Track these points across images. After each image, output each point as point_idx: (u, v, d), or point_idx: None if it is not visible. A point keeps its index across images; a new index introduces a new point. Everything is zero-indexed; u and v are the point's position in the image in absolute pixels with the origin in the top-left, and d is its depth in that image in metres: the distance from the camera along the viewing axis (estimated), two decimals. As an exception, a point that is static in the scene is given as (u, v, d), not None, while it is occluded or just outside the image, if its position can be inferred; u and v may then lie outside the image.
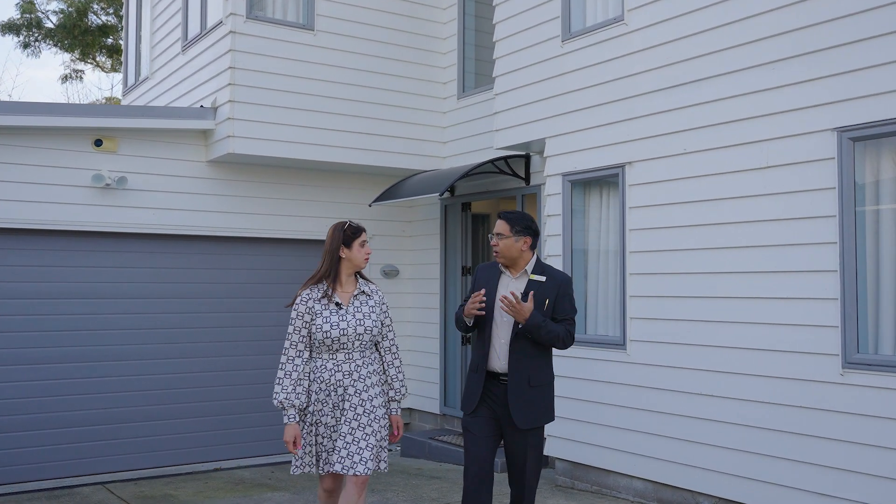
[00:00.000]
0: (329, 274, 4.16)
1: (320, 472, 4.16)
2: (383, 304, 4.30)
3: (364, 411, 4.06)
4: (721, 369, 5.39)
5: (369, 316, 4.17)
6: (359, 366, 4.12)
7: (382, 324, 4.29)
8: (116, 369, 7.31)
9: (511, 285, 4.24)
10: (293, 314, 4.13)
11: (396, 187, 8.26)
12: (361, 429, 4.04)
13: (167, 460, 7.46)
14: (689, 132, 5.62)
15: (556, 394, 6.02)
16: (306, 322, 4.10)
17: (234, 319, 7.83)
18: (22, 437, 6.85)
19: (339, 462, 4.01)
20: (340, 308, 4.11)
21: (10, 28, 17.50)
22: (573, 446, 6.43)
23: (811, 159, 4.90)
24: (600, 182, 6.47)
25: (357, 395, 4.06)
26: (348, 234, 4.17)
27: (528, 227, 4.27)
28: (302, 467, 4.14)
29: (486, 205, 9.60)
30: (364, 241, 4.21)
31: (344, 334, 4.06)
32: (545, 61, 6.75)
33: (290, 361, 4.10)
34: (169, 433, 7.51)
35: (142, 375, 7.42)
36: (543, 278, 4.22)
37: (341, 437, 4.03)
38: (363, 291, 4.23)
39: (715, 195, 5.47)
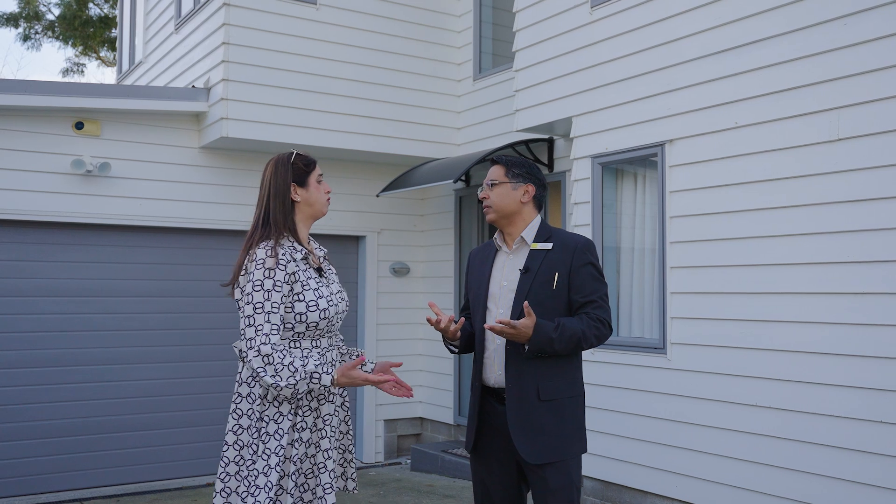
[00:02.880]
0: (285, 225, 2.85)
1: None
2: None
3: (348, 420, 3.01)
4: (780, 377, 4.65)
5: (343, 286, 3.05)
6: (342, 354, 3.02)
7: None
8: (97, 374, 6.65)
9: (507, 265, 3.15)
10: (266, 283, 2.69)
11: (407, 176, 7.59)
12: (349, 447, 3.01)
13: (153, 474, 6.79)
14: (742, 103, 4.89)
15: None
16: (284, 297, 2.74)
17: (229, 320, 7.11)
18: (-10, 449, 6.21)
19: (331, 488, 2.78)
20: (322, 275, 2.93)
21: (9, 20, 17.00)
22: (604, 463, 5.71)
23: (894, 128, 4.16)
24: (635, 164, 5.76)
25: (340, 395, 2.97)
26: (300, 166, 2.91)
27: (530, 173, 3.18)
28: None
29: (504, 197, 8.90)
30: (321, 174, 2.97)
31: (338, 313, 2.89)
32: (572, 31, 6.05)
33: (276, 351, 2.67)
34: (155, 444, 6.84)
35: (125, 381, 6.76)
36: (549, 245, 3.09)
37: (331, 459, 2.81)
38: (325, 255, 3.05)
39: (772, 175, 4.73)
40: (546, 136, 6.84)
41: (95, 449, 6.60)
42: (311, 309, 2.75)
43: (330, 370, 2.69)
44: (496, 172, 3.19)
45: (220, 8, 6.83)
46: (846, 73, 4.36)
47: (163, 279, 6.98)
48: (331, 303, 2.84)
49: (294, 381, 2.63)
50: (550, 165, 6.94)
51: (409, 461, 7.70)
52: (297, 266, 2.79)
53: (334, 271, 3.05)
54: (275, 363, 2.63)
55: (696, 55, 5.16)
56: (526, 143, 6.83)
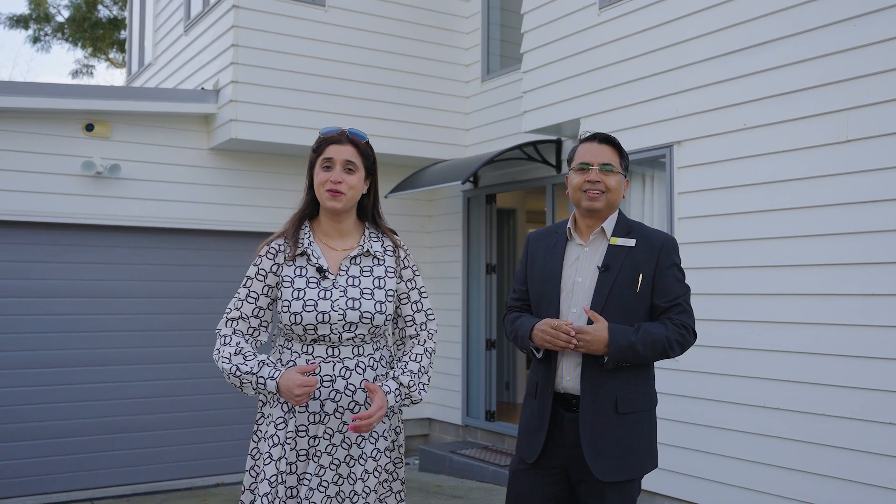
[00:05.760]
0: (301, 217, 2.64)
1: None
2: (406, 267, 2.66)
3: (352, 459, 2.53)
4: (788, 378, 4.65)
5: (372, 293, 2.54)
6: (348, 370, 2.50)
7: (402, 301, 2.65)
8: (107, 375, 6.68)
9: (582, 258, 2.76)
10: (251, 269, 2.57)
11: (415, 177, 7.61)
12: (349, 492, 2.52)
13: (162, 475, 6.81)
14: (750, 104, 4.89)
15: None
16: (269, 287, 2.56)
17: (238, 321, 7.16)
18: (0, 449, 6.23)
19: None
20: (326, 277, 2.53)
21: (19, 21, 17.12)
22: (612, 464, 5.71)
23: (903, 130, 4.16)
24: (644, 165, 5.76)
25: (339, 420, 2.50)
26: (311, 153, 2.64)
27: (629, 167, 2.86)
28: None
29: (512, 198, 8.94)
30: (329, 159, 2.54)
31: (325, 321, 2.47)
32: (580, 32, 6.06)
33: (225, 336, 2.57)
34: (165, 444, 6.86)
35: (135, 381, 6.79)
36: (632, 242, 2.72)
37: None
38: (367, 251, 2.60)
39: (780, 176, 4.73)
40: (554, 138, 6.85)
41: (105, 449, 6.63)
42: (283, 309, 2.51)
43: (275, 374, 2.41)
44: (611, 156, 2.75)
45: (230, 10, 6.86)
46: (855, 74, 4.36)
47: (172, 280, 7.01)
48: (311, 308, 2.47)
49: (229, 368, 2.46)
50: (558, 167, 6.94)
51: (417, 462, 7.72)
52: (286, 260, 2.56)
53: (381, 273, 2.60)
54: (219, 347, 2.53)
55: (705, 56, 5.16)
56: (534, 144, 6.85)
